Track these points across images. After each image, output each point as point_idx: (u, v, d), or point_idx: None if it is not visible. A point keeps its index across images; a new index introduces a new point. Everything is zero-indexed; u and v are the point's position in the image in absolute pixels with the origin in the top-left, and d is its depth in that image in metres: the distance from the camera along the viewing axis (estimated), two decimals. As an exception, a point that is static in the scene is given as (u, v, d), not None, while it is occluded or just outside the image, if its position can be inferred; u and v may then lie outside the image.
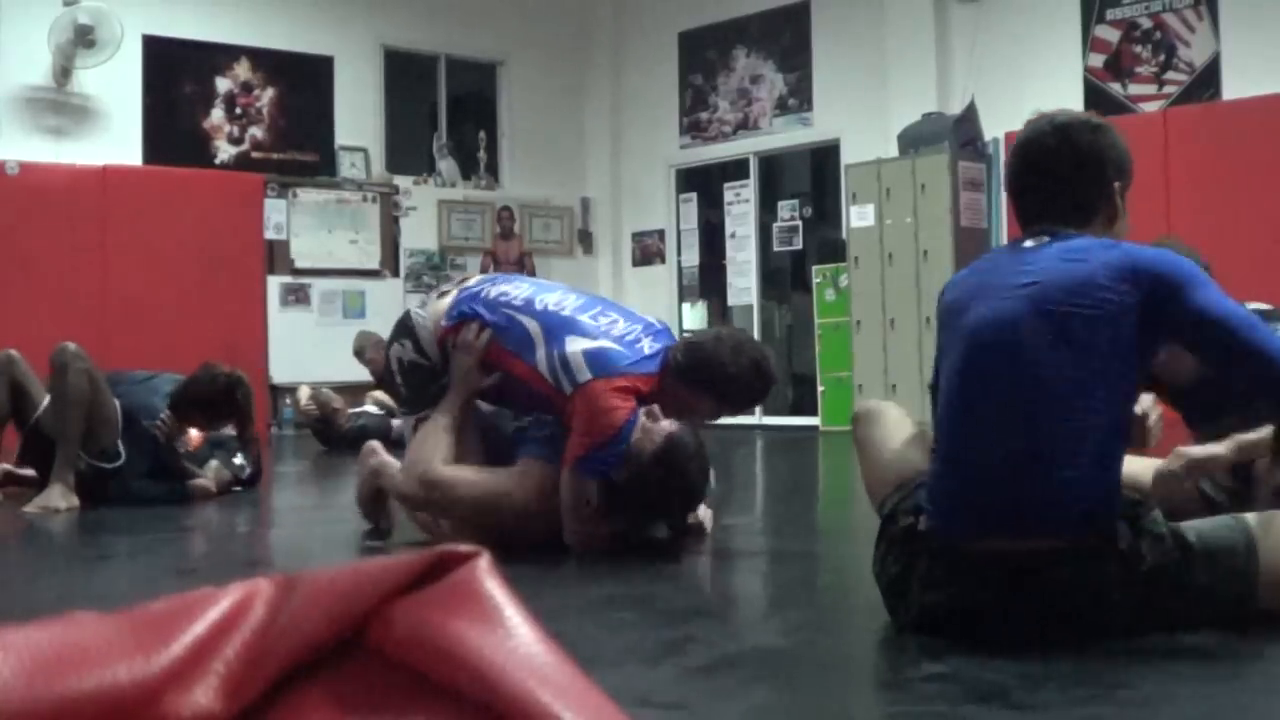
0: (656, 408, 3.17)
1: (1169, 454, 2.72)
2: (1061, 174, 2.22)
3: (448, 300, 3.48)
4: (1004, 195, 6.99)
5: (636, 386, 3.18)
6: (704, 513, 3.55)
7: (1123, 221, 2.25)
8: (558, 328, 3.25)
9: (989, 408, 2.13)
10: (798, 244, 10.71)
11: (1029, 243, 2.20)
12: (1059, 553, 2.03)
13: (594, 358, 3.16)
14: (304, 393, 8.21)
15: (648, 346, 3.29)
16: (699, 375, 3.25)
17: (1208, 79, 8.17)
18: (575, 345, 3.19)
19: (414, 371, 3.47)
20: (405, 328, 3.50)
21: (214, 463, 5.01)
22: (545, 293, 3.42)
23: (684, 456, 3.10)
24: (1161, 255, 2.09)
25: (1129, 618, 2.06)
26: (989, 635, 2.06)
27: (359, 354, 8.31)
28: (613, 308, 3.48)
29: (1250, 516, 2.18)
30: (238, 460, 5.11)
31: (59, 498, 4.55)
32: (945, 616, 2.12)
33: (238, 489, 5.09)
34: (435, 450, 3.25)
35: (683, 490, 3.20)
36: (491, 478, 3.25)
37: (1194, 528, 2.13)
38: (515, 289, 3.42)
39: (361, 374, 8.47)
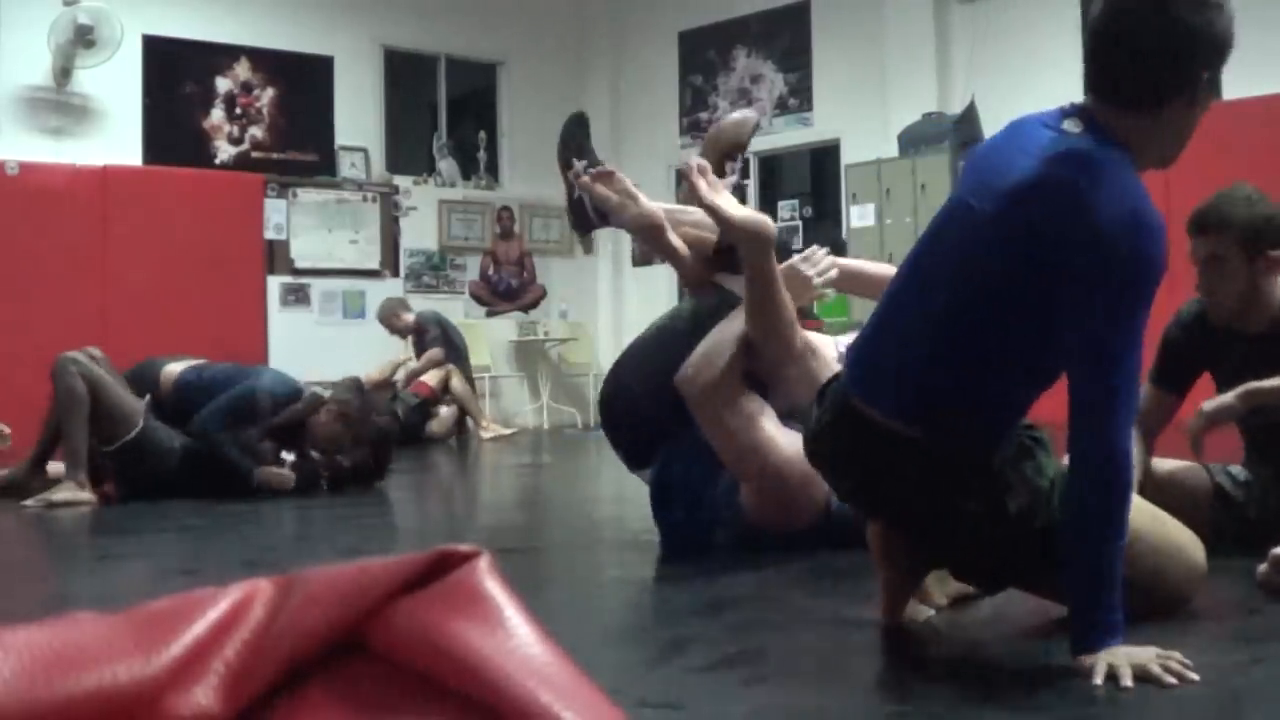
0: None
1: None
2: (1141, 49, 1.90)
3: None
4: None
5: None
6: None
7: (1199, 109, 1.98)
8: None
9: (917, 291, 2.06)
10: (798, 244, 10.70)
11: (1067, 124, 1.96)
12: (888, 435, 2.02)
13: None
14: (303, 394, 8.24)
15: None
16: None
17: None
18: None
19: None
20: None
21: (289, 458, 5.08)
22: None
23: None
24: (1149, 236, 1.84)
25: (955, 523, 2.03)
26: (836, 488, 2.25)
27: (383, 321, 9.05)
28: None
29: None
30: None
31: (58, 492, 4.68)
32: (819, 458, 2.23)
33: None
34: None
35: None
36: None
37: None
38: None
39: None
